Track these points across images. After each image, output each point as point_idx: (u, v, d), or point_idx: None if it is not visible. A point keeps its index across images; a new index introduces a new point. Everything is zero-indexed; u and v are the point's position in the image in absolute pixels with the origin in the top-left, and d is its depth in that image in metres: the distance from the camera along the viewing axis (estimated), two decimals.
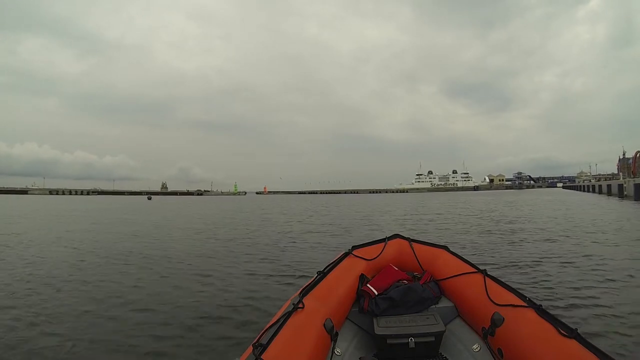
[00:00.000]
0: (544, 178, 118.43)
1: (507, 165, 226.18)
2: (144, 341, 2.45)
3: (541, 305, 1.40)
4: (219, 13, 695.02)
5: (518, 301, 1.48)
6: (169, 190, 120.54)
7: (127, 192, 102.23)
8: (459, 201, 27.19)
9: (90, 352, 2.30)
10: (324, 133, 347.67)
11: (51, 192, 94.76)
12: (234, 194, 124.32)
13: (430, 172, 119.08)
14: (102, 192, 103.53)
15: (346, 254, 2.14)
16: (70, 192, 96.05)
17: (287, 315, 1.38)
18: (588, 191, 47.42)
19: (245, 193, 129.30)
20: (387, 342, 1.55)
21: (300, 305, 1.45)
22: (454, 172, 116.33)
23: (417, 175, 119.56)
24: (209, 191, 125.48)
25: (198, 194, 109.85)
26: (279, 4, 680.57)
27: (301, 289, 1.68)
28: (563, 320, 1.31)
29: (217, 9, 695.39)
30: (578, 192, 52.17)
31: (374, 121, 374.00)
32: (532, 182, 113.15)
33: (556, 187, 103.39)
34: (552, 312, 1.40)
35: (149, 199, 45.12)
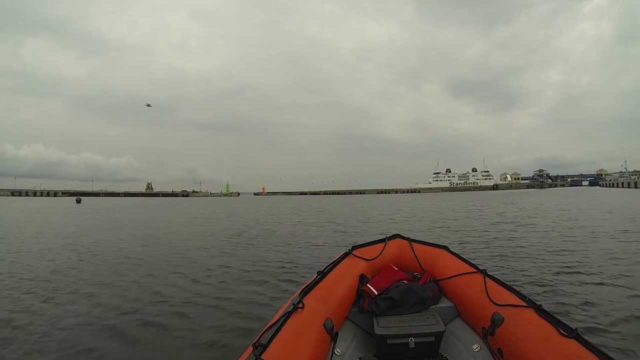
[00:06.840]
0: (562, 176, 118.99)
1: (513, 164, 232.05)
2: None
3: (541, 305, 1.55)
4: (220, 13, 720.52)
5: (518, 301, 1.63)
6: (154, 191, 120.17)
7: (103, 193, 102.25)
8: (517, 208, 16.48)
9: None
10: (327, 132, 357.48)
11: (13, 193, 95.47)
12: (226, 194, 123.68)
13: (448, 170, 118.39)
14: (75, 193, 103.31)
15: (346, 254, 2.32)
16: (34, 193, 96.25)
17: (287, 315, 1.53)
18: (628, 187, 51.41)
19: (239, 194, 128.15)
20: (387, 342, 1.72)
21: (300, 305, 1.60)
22: (474, 170, 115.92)
23: (435, 173, 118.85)
24: (196, 192, 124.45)
25: (183, 195, 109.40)
26: (279, 3, 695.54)
27: (301, 289, 1.84)
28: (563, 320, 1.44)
29: (218, 9, 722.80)
30: (616, 189, 54.55)
31: (378, 120, 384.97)
32: (550, 180, 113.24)
33: (581, 185, 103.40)
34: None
35: (78, 202, 42.73)
